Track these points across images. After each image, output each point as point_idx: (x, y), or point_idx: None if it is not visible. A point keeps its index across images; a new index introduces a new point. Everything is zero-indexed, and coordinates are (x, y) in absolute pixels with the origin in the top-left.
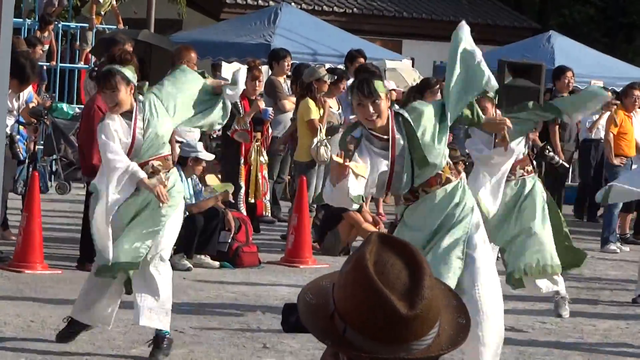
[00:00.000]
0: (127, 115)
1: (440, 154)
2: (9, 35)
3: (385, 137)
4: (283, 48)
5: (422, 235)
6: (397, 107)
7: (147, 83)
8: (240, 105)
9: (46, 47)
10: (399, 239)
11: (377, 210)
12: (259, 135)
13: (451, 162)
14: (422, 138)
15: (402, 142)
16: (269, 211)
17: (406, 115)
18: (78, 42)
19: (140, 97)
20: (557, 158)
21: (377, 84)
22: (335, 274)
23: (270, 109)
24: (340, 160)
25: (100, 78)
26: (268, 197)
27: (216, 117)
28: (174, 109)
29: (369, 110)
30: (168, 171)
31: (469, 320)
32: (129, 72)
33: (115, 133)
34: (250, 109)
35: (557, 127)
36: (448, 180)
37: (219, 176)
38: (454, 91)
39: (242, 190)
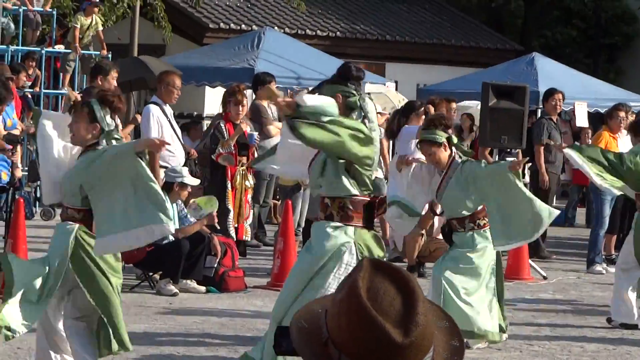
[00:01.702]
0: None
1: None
2: None
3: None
4: (267, 72)
5: None
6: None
7: (116, 136)
8: (224, 129)
9: (29, 83)
10: (391, 264)
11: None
12: (244, 159)
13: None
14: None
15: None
16: (249, 235)
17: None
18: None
19: (104, 143)
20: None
21: (436, 134)
22: (326, 298)
23: (256, 134)
24: None
25: (73, 104)
26: (249, 221)
27: None
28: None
29: (427, 159)
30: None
31: (462, 342)
32: (102, 112)
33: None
34: (234, 132)
35: (542, 147)
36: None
37: None
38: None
39: (231, 214)
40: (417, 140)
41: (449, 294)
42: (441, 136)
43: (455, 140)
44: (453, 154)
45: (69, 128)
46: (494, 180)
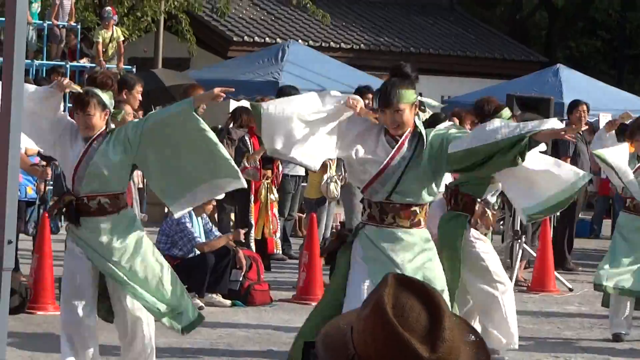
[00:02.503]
0: (86, 137)
1: (430, 191)
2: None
3: (394, 143)
4: (292, 85)
5: (383, 268)
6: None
7: (122, 111)
8: (249, 143)
9: None
10: (415, 279)
11: None
12: (269, 173)
13: (427, 209)
14: (426, 166)
15: (407, 154)
16: (280, 249)
17: (427, 137)
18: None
19: (112, 125)
20: None
21: (403, 94)
22: (352, 314)
23: None
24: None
25: (77, 99)
26: (279, 234)
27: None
28: (142, 162)
29: (390, 118)
30: (118, 212)
31: (488, 356)
32: (107, 97)
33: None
34: (259, 146)
35: (569, 159)
36: (419, 223)
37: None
38: None
39: (254, 229)
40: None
41: None
42: (507, 116)
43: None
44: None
45: (79, 122)
46: None
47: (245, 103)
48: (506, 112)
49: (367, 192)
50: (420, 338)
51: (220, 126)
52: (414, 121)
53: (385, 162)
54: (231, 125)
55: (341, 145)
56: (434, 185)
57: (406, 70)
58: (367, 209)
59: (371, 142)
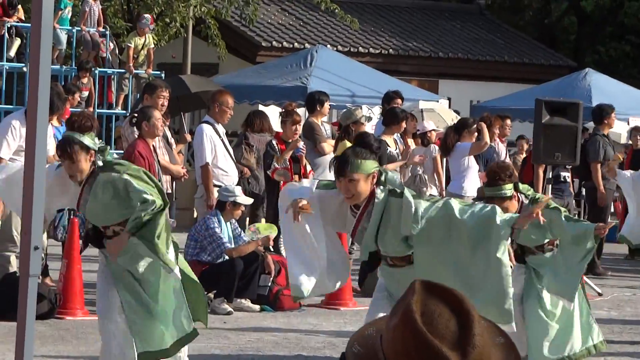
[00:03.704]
0: (76, 182)
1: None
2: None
3: (356, 211)
4: (321, 91)
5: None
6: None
7: (108, 147)
8: (277, 148)
9: (85, 93)
10: (443, 285)
11: None
12: (296, 177)
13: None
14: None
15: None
16: None
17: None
18: (115, 88)
19: (99, 162)
20: None
21: (358, 164)
22: (380, 321)
23: (301, 143)
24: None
25: (60, 149)
26: None
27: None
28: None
29: (344, 187)
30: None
31: (518, 357)
32: (88, 140)
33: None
34: (288, 147)
35: (599, 165)
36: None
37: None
38: None
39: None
40: (485, 197)
41: None
42: (509, 190)
43: (519, 186)
44: (521, 200)
45: (66, 170)
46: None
47: (275, 109)
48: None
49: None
50: (450, 345)
51: (239, 132)
52: (374, 190)
53: (351, 231)
54: (247, 130)
55: (333, 227)
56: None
57: (368, 140)
58: None
59: (342, 215)
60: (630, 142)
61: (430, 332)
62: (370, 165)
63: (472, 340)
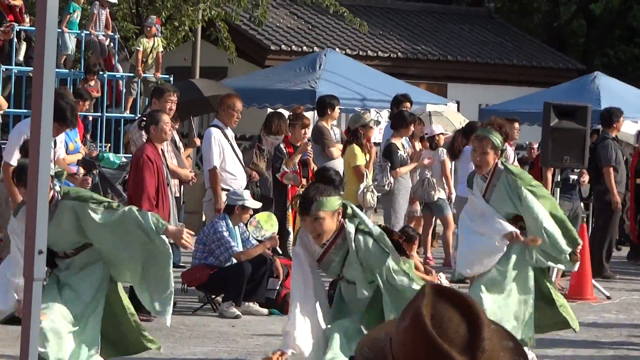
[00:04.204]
0: None
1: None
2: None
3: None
4: (332, 95)
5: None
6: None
7: (65, 172)
8: (285, 152)
9: (94, 94)
10: (453, 289)
11: (425, 255)
12: (304, 181)
13: None
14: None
15: (335, 258)
16: None
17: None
18: (124, 91)
19: (57, 187)
20: None
21: (323, 202)
22: (389, 325)
23: (309, 146)
24: None
25: (14, 174)
26: None
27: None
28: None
29: (309, 227)
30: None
31: None
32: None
33: None
34: (297, 150)
35: (612, 169)
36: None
37: None
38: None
39: (291, 237)
40: (473, 135)
41: None
42: (499, 140)
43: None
44: (497, 161)
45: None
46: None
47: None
48: None
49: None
50: (459, 349)
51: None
52: (342, 225)
53: (317, 259)
54: (263, 133)
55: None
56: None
57: (329, 174)
58: None
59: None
60: (637, 144)
61: (439, 336)
62: (335, 201)
63: (481, 345)
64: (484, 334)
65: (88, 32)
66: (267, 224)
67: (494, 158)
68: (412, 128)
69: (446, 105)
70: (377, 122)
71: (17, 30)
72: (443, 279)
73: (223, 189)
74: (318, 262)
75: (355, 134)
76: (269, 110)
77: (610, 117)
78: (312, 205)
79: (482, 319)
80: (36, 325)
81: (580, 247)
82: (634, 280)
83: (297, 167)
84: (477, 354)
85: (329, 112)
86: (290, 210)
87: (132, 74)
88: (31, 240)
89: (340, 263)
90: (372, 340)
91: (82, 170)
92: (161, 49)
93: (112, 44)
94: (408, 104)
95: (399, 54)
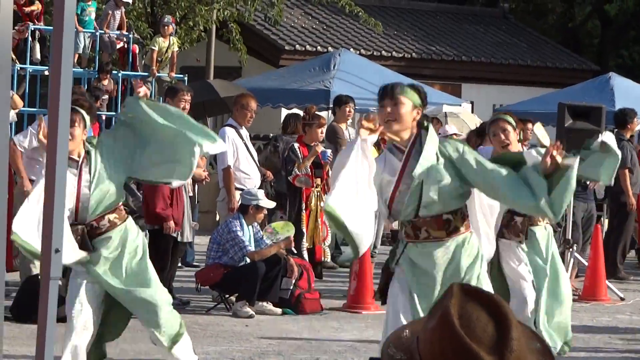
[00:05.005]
0: (74, 164)
1: (457, 196)
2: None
3: (404, 149)
4: (347, 95)
5: (432, 280)
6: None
7: (97, 138)
8: (298, 152)
9: (105, 96)
10: (481, 289)
11: None
12: (318, 180)
13: (465, 213)
14: (445, 174)
15: (423, 162)
16: (328, 256)
17: (445, 144)
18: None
19: (90, 147)
20: None
21: (406, 90)
22: (415, 324)
23: (329, 151)
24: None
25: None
26: (327, 242)
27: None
28: (129, 161)
29: (387, 110)
30: (123, 221)
31: None
32: (87, 117)
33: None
34: (309, 153)
35: (627, 170)
36: (456, 230)
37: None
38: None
39: (305, 237)
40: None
41: None
42: (513, 121)
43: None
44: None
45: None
46: None
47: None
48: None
49: (393, 213)
50: (488, 349)
51: (271, 135)
52: (417, 130)
53: (395, 180)
54: (281, 133)
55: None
56: (460, 189)
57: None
58: (402, 228)
59: (380, 168)
60: None
61: (467, 335)
62: (417, 98)
63: (509, 345)
64: (512, 333)
65: (103, 32)
66: (283, 230)
67: (515, 136)
68: None
69: (460, 105)
70: None
71: (32, 29)
72: None
73: (237, 189)
74: (398, 180)
75: None
76: (283, 110)
77: (625, 118)
78: (396, 88)
79: (510, 319)
80: (52, 324)
81: None
82: None
83: (310, 170)
84: (505, 354)
85: (338, 109)
86: (304, 211)
87: (146, 74)
88: (48, 239)
89: (419, 185)
90: (399, 339)
91: None
92: (176, 49)
93: (130, 44)
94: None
95: (414, 54)
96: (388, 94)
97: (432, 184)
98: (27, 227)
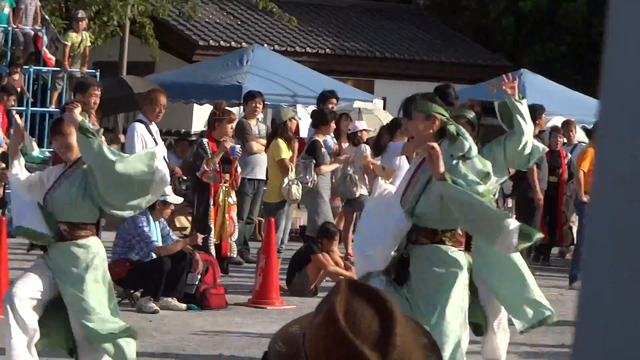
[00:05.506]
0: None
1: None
2: None
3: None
4: (256, 90)
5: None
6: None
7: (102, 129)
8: (207, 147)
9: (17, 77)
10: (369, 285)
11: (345, 251)
12: (227, 176)
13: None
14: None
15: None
16: (234, 252)
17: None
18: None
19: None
20: None
21: (423, 104)
22: (304, 319)
23: (238, 147)
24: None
25: (54, 126)
26: (234, 237)
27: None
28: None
29: (410, 129)
30: (87, 237)
31: (440, 357)
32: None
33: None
34: (217, 149)
35: (535, 166)
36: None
37: (189, 218)
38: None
39: (212, 232)
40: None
41: None
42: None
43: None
44: None
45: (60, 145)
46: None
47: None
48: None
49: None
50: (371, 345)
51: (182, 130)
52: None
53: (406, 183)
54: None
55: None
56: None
57: (448, 90)
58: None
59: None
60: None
61: (351, 331)
62: (432, 107)
63: (392, 340)
64: (396, 329)
65: (15, 27)
66: None
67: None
68: (333, 125)
69: (372, 101)
70: (299, 118)
71: None
72: None
73: None
74: (412, 176)
75: (279, 129)
76: (195, 105)
77: (533, 113)
78: (412, 105)
79: (394, 315)
80: None
81: None
82: (553, 277)
83: (218, 165)
84: (388, 349)
85: (246, 105)
86: (212, 206)
87: (58, 69)
88: None
89: (417, 194)
90: (286, 334)
91: (2, 164)
92: (89, 44)
93: (44, 37)
94: (334, 100)
95: (327, 49)
96: (408, 114)
97: (424, 199)
98: (26, 216)
